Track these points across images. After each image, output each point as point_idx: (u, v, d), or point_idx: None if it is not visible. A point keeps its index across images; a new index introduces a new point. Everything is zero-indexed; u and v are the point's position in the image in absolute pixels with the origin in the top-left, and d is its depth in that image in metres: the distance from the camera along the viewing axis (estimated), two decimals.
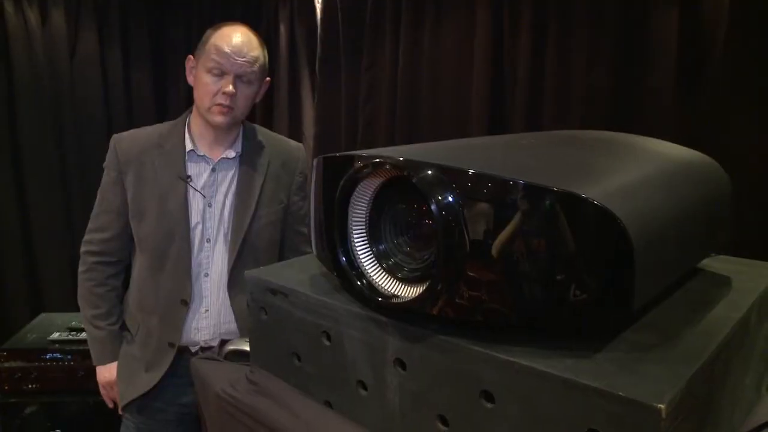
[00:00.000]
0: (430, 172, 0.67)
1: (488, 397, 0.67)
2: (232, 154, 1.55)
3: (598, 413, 0.58)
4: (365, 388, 0.80)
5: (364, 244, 0.75)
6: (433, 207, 0.65)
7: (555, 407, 0.61)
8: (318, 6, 2.89)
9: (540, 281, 0.64)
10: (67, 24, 3.42)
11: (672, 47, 1.76)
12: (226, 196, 1.55)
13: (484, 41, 2.17)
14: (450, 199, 0.65)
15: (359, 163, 0.73)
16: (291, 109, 3.08)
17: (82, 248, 1.61)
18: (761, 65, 1.62)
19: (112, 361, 1.59)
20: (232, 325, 1.56)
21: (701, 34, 1.73)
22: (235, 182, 1.55)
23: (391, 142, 2.54)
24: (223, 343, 1.18)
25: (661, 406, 0.54)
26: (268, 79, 1.57)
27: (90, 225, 1.60)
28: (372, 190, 0.75)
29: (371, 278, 0.74)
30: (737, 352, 0.77)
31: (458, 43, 2.29)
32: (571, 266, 0.63)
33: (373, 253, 0.75)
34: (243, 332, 1.52)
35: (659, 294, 0.79)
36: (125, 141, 1.56)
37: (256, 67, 1.48)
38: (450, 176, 0.66)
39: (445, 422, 0.72)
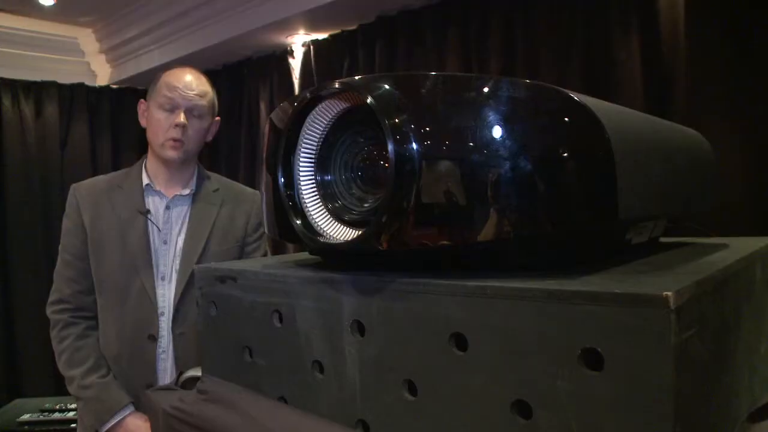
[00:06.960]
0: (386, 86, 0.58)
1: (459, 342, 0.55)
2: (186, 191, 1.53)
3: (590, 326, 0.46)
4: (321, 371, 0.68)
5: (310, 181, 0.66)
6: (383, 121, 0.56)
7: (537, 335, 0.49)
8: (296, 82, 3.06)
9: (512, 192, 0.54)
10: (60, 116, 3.52)
11: (637, 75, 1.76)
12: (179, 234, 1.51)
13: None
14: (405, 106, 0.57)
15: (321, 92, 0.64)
16: None
17: (54, 308, 1.47)
18: (723, 81, 1.60)
19: (128, 402, 1.39)
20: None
21: (662, 57, 1.73)
22: (187, 219, 1.51)
23: None
24: (181, 373, 1.05)
25: (668, 293, 0.43)
26: (218, 118, 1.57)
27: (58, 282, 1.49)
28: (326, 121, 0.66)
29: (313, 217, 0.64)
30: (746, 300, 0.65)
31: None
32: (540, 164, 0.53)
33: (318, 194, 0.65)
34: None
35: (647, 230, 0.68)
36: (84, 186, 1.53)
37: (205, 101, 1.49)
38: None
39: (413, 390, 0.59)
